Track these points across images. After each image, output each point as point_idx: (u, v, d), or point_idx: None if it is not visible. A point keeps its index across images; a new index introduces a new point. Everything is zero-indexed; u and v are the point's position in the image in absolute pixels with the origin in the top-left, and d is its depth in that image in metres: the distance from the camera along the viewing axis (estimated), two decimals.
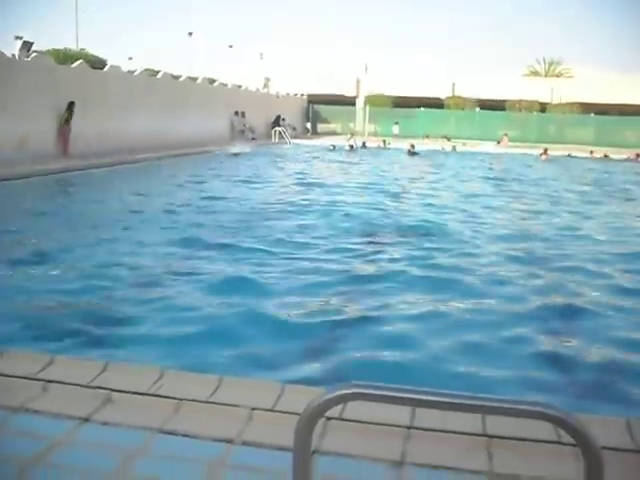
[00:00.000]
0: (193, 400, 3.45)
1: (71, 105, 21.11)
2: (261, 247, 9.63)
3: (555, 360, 5.59)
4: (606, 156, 34.59)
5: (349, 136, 39.65)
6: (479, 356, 5.59)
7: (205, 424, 3.21)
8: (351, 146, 35.06)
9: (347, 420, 3.24)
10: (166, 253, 9.12)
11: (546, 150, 33.91)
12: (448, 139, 41.94)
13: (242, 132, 36.54)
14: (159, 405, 3.39)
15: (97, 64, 25.19)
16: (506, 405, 2.32)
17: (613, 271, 8.78)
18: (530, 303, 7.20)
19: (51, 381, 3.65)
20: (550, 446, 3.09)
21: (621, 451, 3.07)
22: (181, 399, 3.44)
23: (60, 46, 27.69)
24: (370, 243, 10.39)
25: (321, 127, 50.03)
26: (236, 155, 26.71)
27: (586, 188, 19.98)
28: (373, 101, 50.68)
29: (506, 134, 43.37)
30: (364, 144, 36.56)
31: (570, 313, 6.90)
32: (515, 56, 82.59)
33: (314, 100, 50.62)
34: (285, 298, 7.02)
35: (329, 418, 3.19)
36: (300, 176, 20.81)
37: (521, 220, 13.57)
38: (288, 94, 47.77)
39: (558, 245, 10.66)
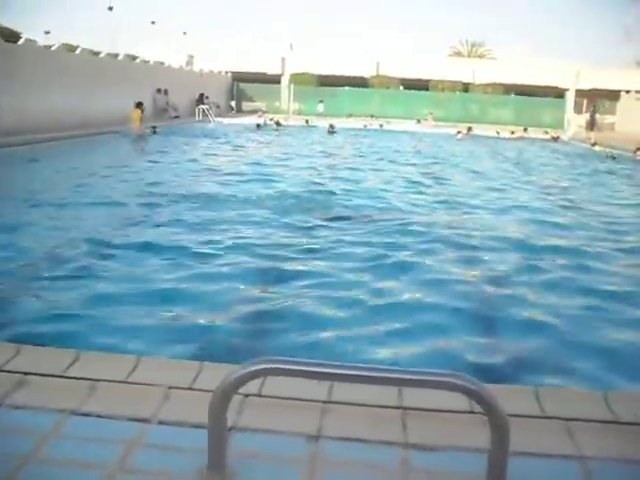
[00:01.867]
0: (109, 381, 3.40)
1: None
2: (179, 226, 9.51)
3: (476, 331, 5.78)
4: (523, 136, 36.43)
5: (260, 113, 39.61)
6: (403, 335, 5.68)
7: (121, 404, 3.17)
8: (277, 124, 34.86)
9: (265, 396, 3.25)
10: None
11: (469, 128, 34.96)
12: (373, 117, 42.67)
13: (165, 110, 35.91)
14: (74, 387, 3.33)
15: (10, 37, 24.21)
16: (417, 377, 2.39)
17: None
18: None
19: None
20: (464, 416, 3.18)
21: (529, 417, 3.19)
22: (97, 380, 3.38)
23: None
24: (290, 223, 10.34)
25: (246, 105, 49.61)
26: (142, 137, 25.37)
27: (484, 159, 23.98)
28: (298, 79, 50.61)
29: (431, 113, 44.28)
30: (278, 122, 35.79)
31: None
32: (438, 37, 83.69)
33: (239, 78, 50.12)
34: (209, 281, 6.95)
35: (247, 395, 3.20)
36: (219, 154, 20.59)
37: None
38: (212, 72, 47.09)
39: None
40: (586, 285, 7.24)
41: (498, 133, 36.10)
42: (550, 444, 2.97)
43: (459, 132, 33.68)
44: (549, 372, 4.92)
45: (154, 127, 26.35)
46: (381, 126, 38.55)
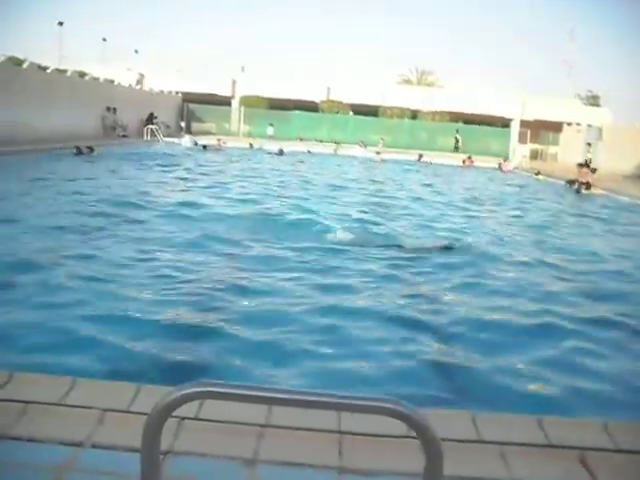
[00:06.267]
0: (42, 403, 3.31)
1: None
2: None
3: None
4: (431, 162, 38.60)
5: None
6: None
7: (54, 428, 3.10)
8: (219, 145, 35.09)
9: (202, 420, 3.22)
10: None
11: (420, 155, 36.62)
12: (321, 142, 43.55)
13: (113, 129, 35.55)
14: (4, 410, 3.24)
15: None
16: (350, 401, 2.39)
17: None
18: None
19: None
20: (400, 440, 3.19)
21: (465, 442, 3.23)
22: (29, 402, 3.30)
23: None
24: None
25: (196, 126, 49.33)
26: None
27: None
28: (248, 102, 50.65)
29: (382, 139, 44.97)
30: (204, 146, 35.17)
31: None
32: (388, 64, 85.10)
33: (189, 99, 49.91)
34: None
35: (184, 418, 3.16)
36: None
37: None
38: (162, 91, 46.85)
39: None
40: None
41: (430, 162, 37.88)
42: (484, 468, 3.01)
43: (378, 153, 38.07)
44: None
45: (90, 147, 25.39)
46: (335, 151, 40.08)
